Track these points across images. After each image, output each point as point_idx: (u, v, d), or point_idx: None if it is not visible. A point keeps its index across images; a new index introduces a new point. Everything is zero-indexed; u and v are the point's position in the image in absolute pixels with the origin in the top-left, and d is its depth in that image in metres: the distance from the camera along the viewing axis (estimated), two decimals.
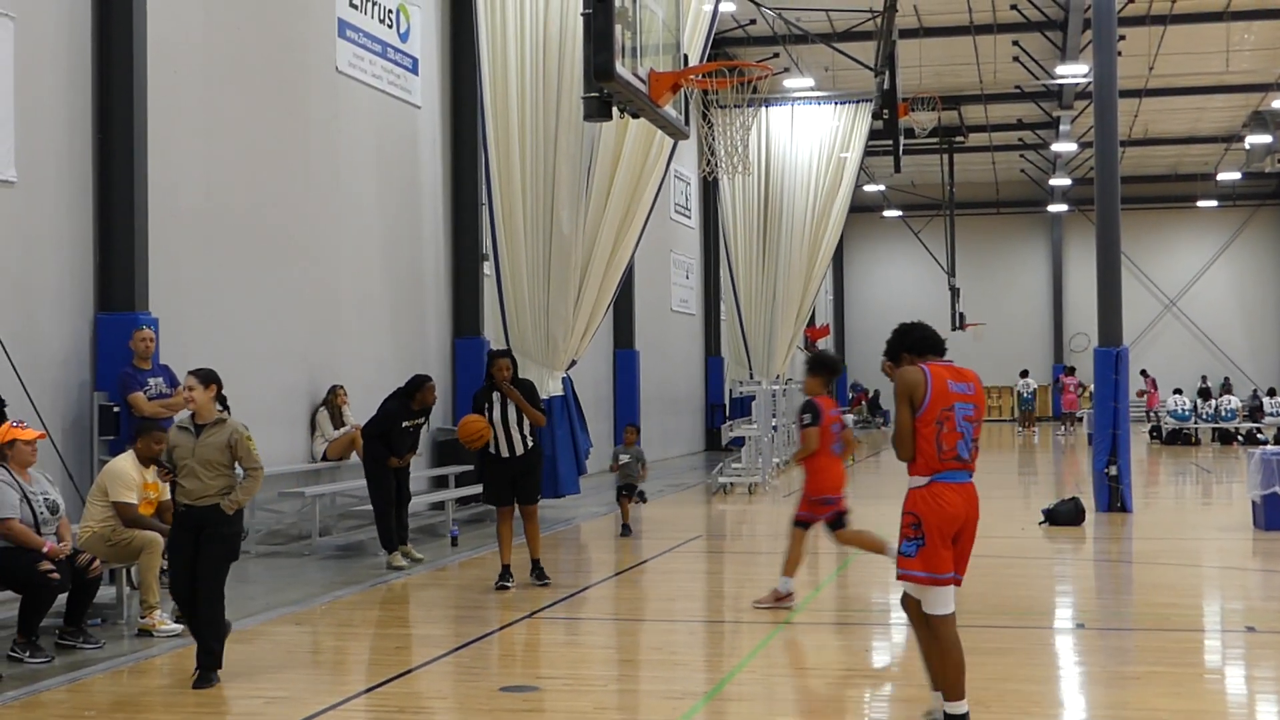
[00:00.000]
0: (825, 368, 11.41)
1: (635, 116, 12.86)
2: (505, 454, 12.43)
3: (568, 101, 17.75)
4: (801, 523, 11.30)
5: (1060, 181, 42.79)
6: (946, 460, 6.79)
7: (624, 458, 17.50)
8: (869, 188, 44.27)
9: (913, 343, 7.15)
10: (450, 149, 20.02)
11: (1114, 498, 18.20)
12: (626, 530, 16.73)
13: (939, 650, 6.87)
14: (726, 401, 33.24)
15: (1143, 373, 42.09)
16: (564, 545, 16.30)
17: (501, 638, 10.26)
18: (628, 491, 17.22)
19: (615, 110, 12.13)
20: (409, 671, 9.01)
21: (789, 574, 11.24)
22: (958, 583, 6.92)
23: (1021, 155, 44.10)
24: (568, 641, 10.48)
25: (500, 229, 18.59)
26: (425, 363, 18.88)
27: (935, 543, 6.73)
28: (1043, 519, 17.13)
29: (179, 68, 14.12)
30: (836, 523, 11.32)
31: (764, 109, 28.95)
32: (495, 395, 12.40)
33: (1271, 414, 36.37)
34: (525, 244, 18.60)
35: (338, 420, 16.28)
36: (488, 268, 19.60)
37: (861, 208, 45.03)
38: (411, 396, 14.17)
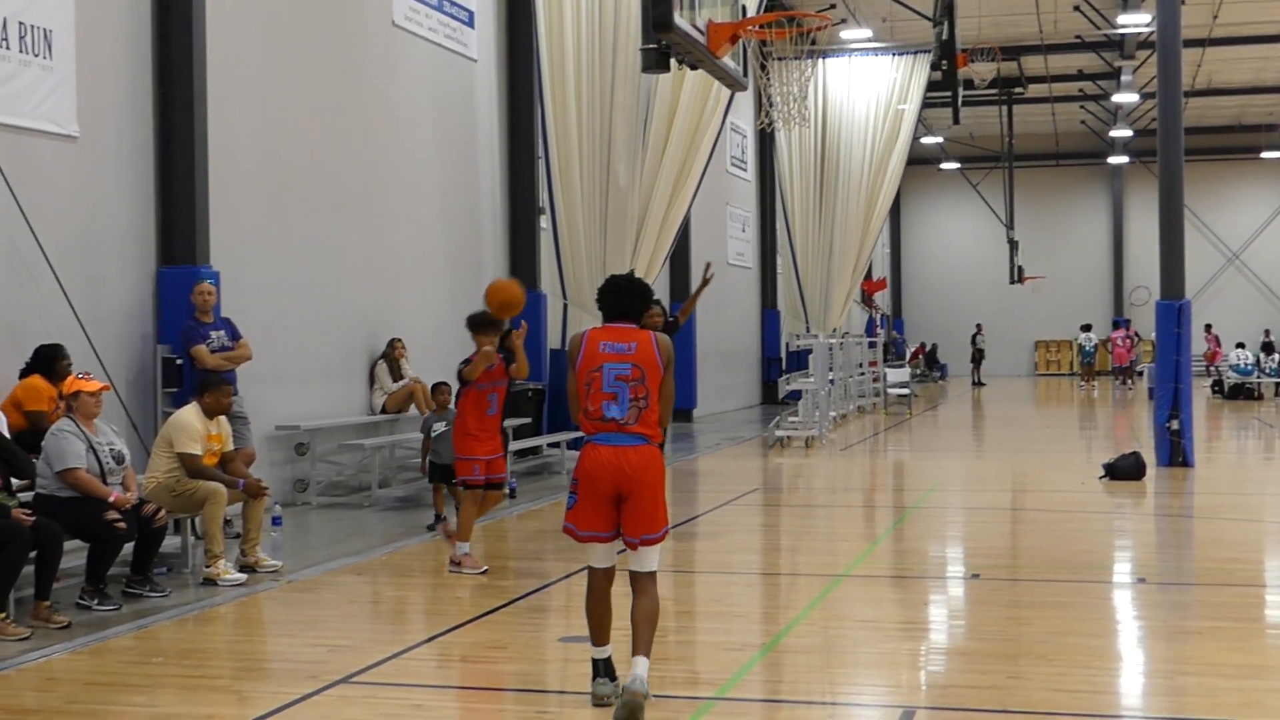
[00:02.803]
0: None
1: (694, 68, 12.80)
2: None
3: (624, 54, 17.70)
4: None
5: (1121, 133, 42.26)
6: (594, 420, 6.78)
7: (438, 427, 13.16)
8: (927, 140, 43.88)
9: (602, 308, 7.05)
10: (507, 103, 20.01)
11: (1175, 452, 18.05)
12: (437, 522, 12.69)
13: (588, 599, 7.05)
14: (783, 355, 33.17)
15: (1207, 328, 41.62)
16: None
17: (561, 589, 10.31)
18: (447, 473, 12.28)
19: (673, 62, 12.09)
20: (469, 621, 9.08)
21: None
22: (600, 540, 6.85)
23: (1082, 106, 43.59)
24: (625, 594, 10.48)
25: (557, 183, 18.61)
26: None
27: (584, 501, 6.79)
28: (1103, 473, 17.02)
29: (237, 23, 14.18)
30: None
31: (821, 60, 28.73)
32: None
33: None
34: (581, 197, 18.62)
35: (396, 373, 16.39)
36: (544, 221, 19.64)
37: (919, 160, 44.66)
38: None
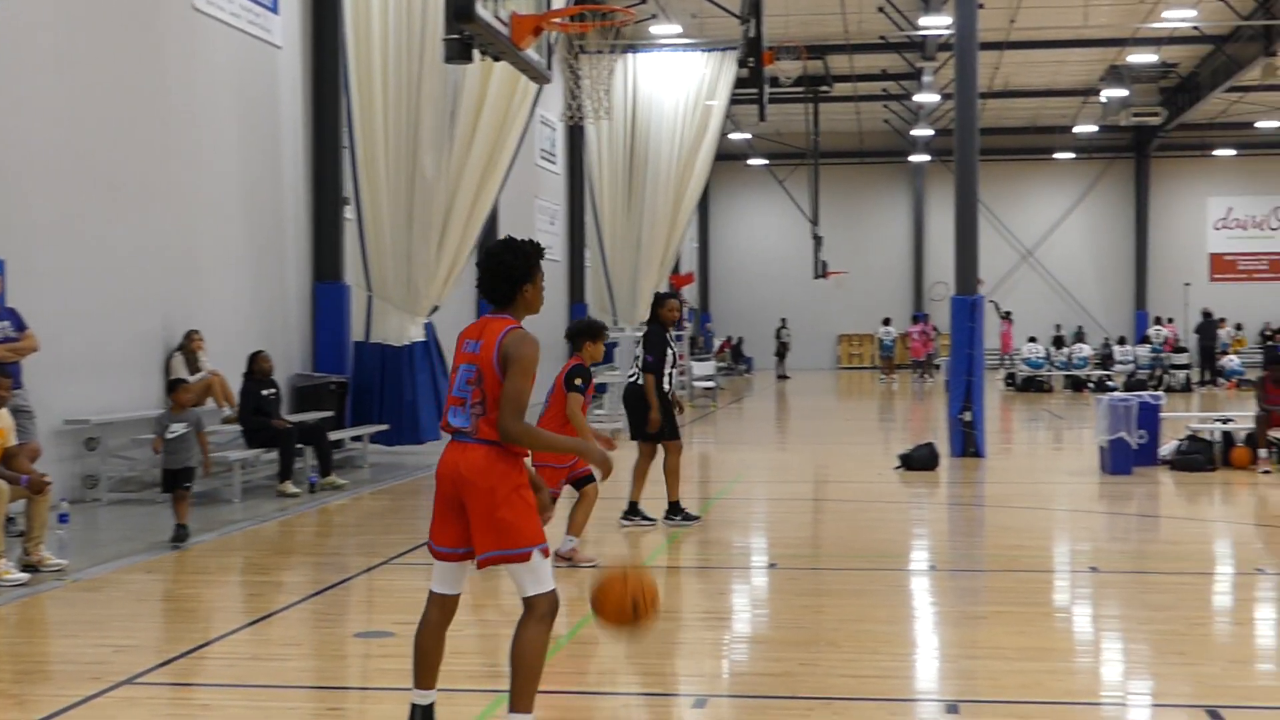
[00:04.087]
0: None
1: (497, 59, 12.76)
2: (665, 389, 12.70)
3: (432, 44, 17.54)
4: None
5: (922, 132, 43.29)
6: (444, 427, 6.01)
7: (176, 428, 11.93)
8: (735, 136, 44.40)
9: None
10: (312, 91, 19.67)
11: (968, 443, 18.57)
12: (181, 535, 11.71)
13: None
14: None
15: (1006, 315, 42.73)
16: (426, 491, 16.21)
17: (360, 584, 10.19)
18: (181, 479, 11.81)
19: (477, 53, 12.02)
20: (263, 619, 8.92)
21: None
22: (446, 557, 6.00)
23: (885, 105, 44.54)
24: (426, 588, 10.41)
25: (362, 173, 18.40)
26: (285, 307, 18.64)
27: (435, 508, 6.03)
28: (899, 464, 17.42)
29: (29, 4, 13.70)
30: (584, 480, 11.04)
31: (631, 56, 28.88)
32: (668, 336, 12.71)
33: (1121, 362, 37.36)
34: (387, 188, 18.43)
35: (193, 366, 16.00)
36: (349, 212, 19.37)
37: (727, 156, 45.16)
38: None
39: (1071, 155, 49.38)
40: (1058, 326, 45.40)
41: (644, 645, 8.29)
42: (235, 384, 15.74)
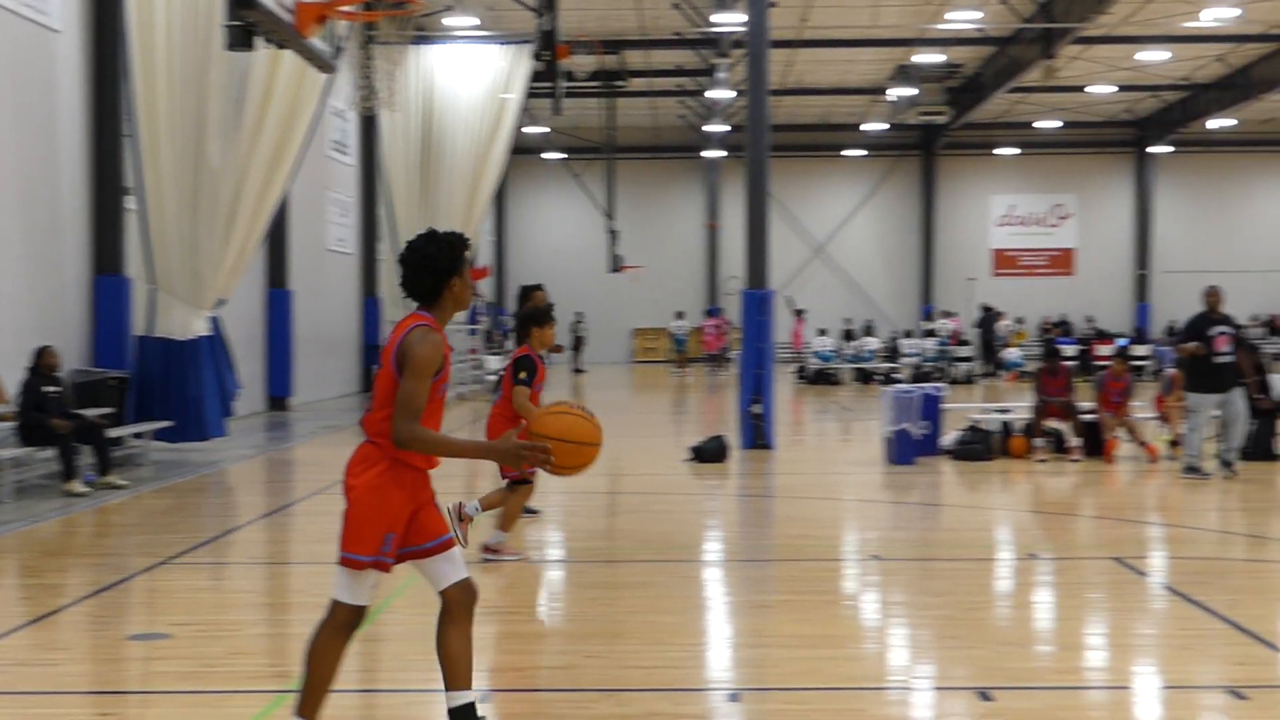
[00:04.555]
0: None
1: (281, 47, 12.51)
2: None
3: (217, 30, 17.11)
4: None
5: (716, 128, 43.74)
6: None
7: None
8: (531, 130, 44.31)
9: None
10: (92, 77, 19.01)
11: (758, 435, 18.84)
12: None
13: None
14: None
15: (799, 313, 43.47)
16: (210, 489, 15.86)
17: (136, 585, 9.90)
18: None
19: (261, 40, 11.77)
20: (33, 622, 8.61)
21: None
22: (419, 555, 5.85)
23: (681, 101, 44.87)
24: (209, 587, 10.20)
25: (145, 162, 17.88)
26: (63, 300, 18.01)
27: None
28: (690, 456, 17.58)
29: None
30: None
31: (426, 47, 28.60)
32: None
33: (907, 355, 38.30)
34: (172, 178, 17.94)
35: None
36: (131, 202, 18.80)
37: (524, 150, 45.03)
38: None
39: (862, 152, 50.43)
40: (847, 320, 46.31)
41: (428, 643, 8.22)
42: (11, 379, 15.15)
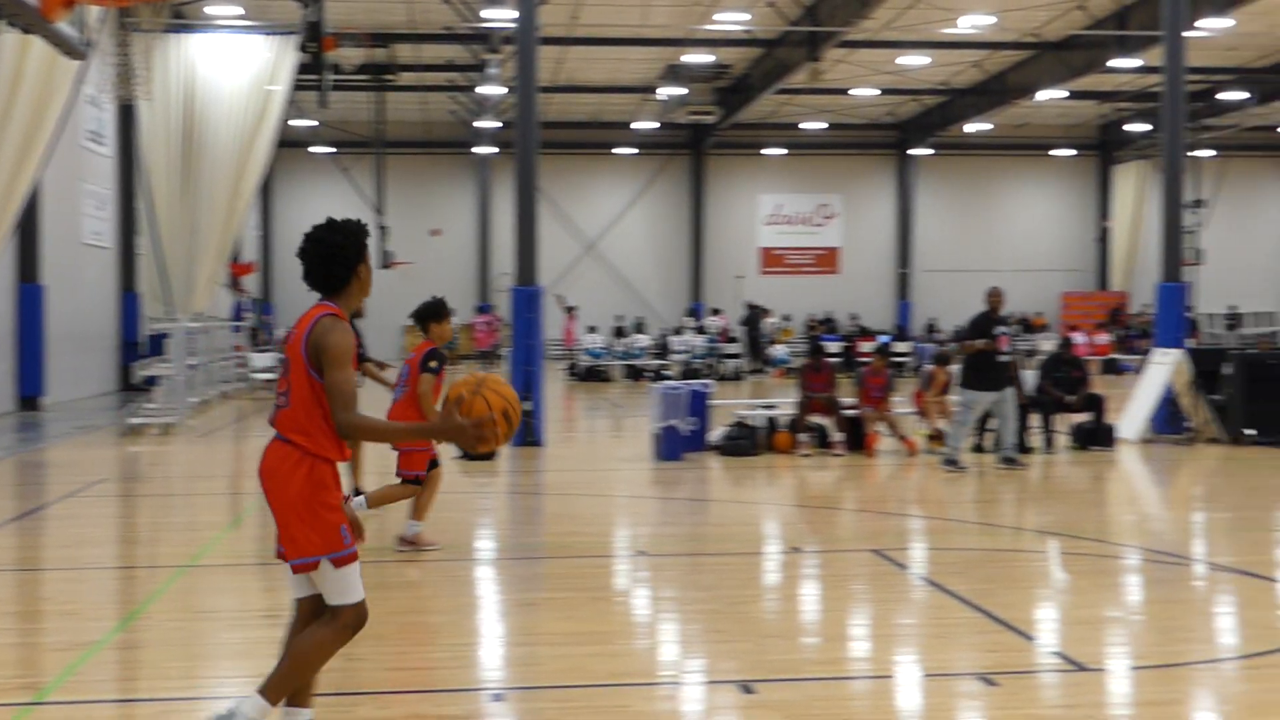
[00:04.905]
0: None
1: (27, 31, 11.99)
2: None
3: None
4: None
5: (487, 124, 43.53)
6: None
7: None
8: (298, 123, 43.46)
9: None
10: None
11: (528, 432, 18.79)
12: None
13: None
14: (145, 339, 31.85)
15: (570, 310, 43.54)
16: None
17: None
18: None
19: (3, 24, 11.27)
20: None
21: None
22: (282, 557, 5.65)
23: (451, 96, 44.53)
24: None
25: None
26: None
27: None
28: (459, 454, 17.45)
29: None
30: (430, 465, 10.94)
31: (187, 36, 27.79)
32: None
33: (676, 352, 38.70)
34: None
35: None
36: None
37: (291, 143, 44.15)
38: None
39: (632, 151, 50.74)
40: (618, 317, 46.57)
41: (192, 649, 7.97)
42: None
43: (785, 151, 50.86)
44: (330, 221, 5.62)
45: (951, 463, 16.37)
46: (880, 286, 52.05)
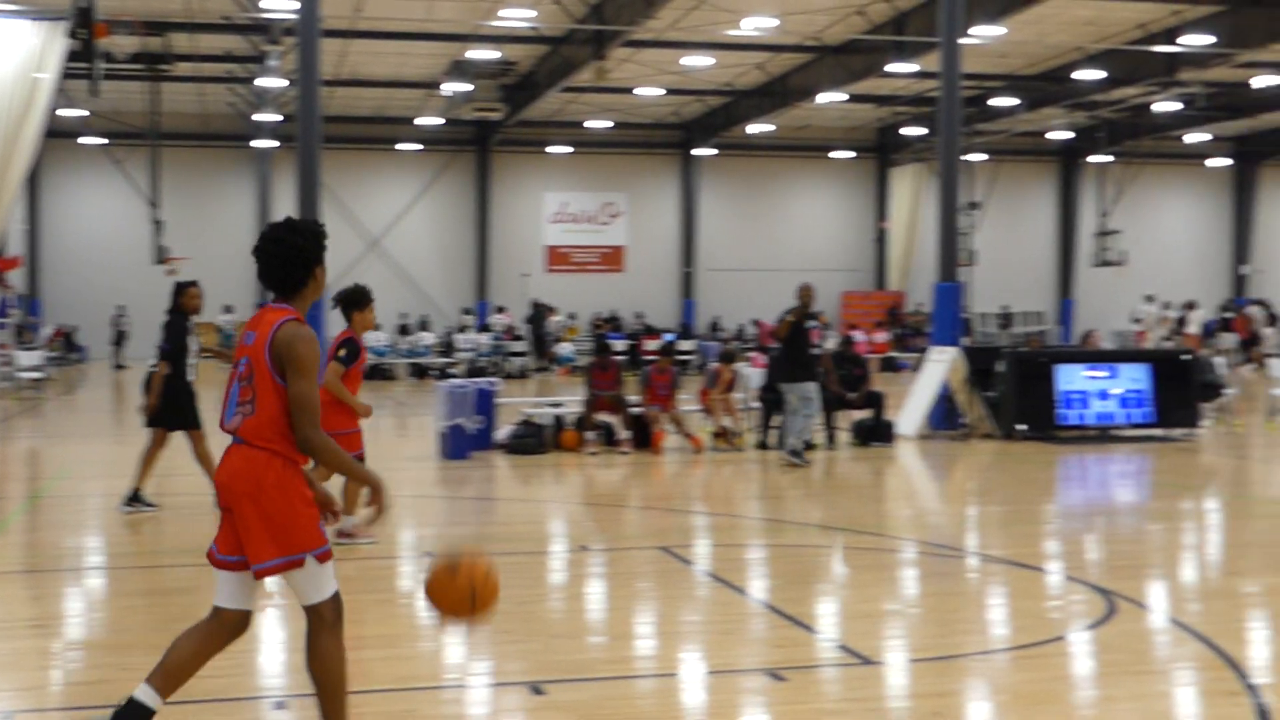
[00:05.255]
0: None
1: None
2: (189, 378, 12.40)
3: None
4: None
5: (267, 117, 42.62)
6: (220, 422, 5.67)
7: None
8: (69, 112, 41.95)
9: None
10: None
11: None
12: None
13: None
14: None
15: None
16: None
17: None
18: None
19: None
20: None
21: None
22: (223, 565, 5.56)
23: (230, 88, 43.48)
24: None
25: None
26: None
27: (221, 516, 5.63)
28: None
29: None
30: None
31: None
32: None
33: (462, 350, 38.47)
34: None
35: None
36: None
37: (60, 133, 42.58)
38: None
39: (417, 147, 50.23)
40: (403, 315, 46.06)
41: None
42: None
43: (571, 150, 50.92)
44: (289, 221, 5.59)
45: (796, 454, 16.55)
46: (665, 285, 52.48)
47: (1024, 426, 19.48)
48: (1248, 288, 53.50)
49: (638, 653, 8.06)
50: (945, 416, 20.34)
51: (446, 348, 38.93)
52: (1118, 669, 7.42)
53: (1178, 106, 42.74)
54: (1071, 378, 19.77)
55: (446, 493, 14.94)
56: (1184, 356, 21.05)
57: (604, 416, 18.56)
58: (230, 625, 5.67)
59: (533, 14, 32.82)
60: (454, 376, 30.61)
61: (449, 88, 39.81)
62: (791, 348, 16.56)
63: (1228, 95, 41.79)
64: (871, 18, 33.69)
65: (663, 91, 42.92)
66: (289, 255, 5.50)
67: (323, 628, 5.57)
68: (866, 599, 9.36)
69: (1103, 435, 19.73)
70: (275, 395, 5.40)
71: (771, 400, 18.53)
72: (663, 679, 7.46)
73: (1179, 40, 33.58)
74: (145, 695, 5.62)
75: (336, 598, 5.62)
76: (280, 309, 5.50)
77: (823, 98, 40.46)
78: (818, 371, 16.93)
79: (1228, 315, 45.11)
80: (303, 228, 5.56)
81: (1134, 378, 19.93)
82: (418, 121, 47.47)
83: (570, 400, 19.70)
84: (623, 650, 8.04)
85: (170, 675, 5.65)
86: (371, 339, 37.73)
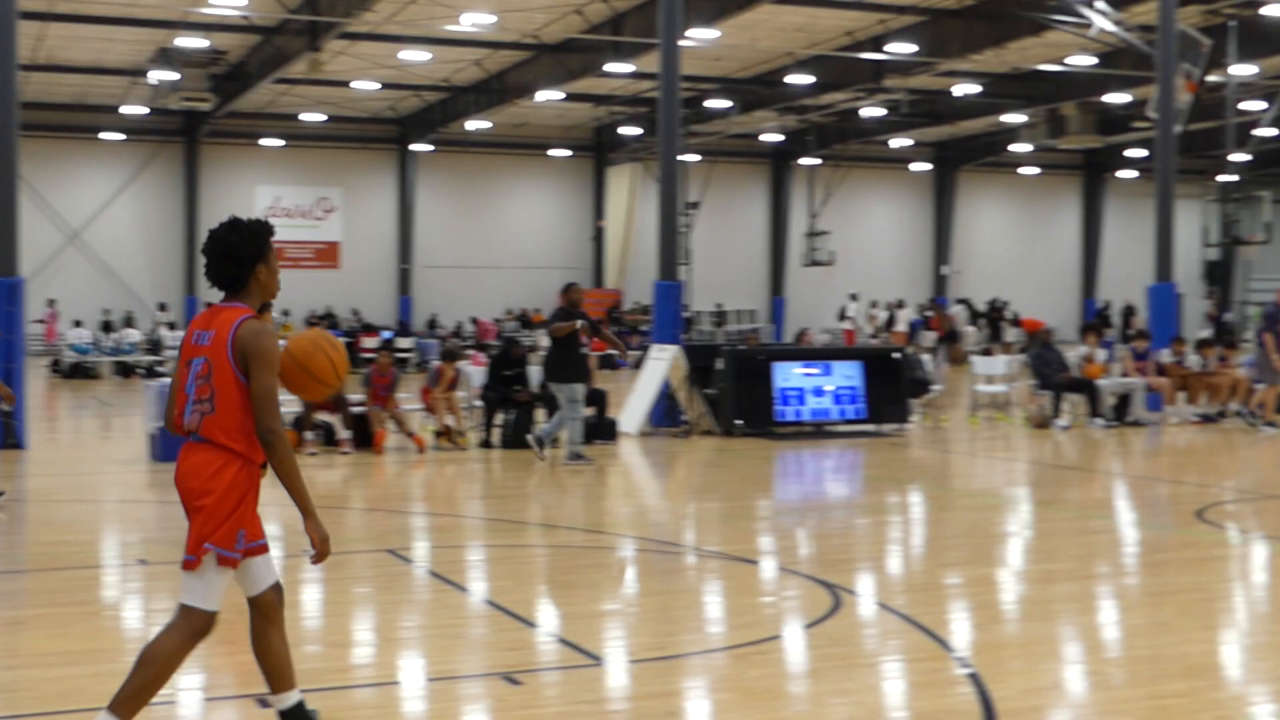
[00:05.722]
0: None
1: None
2: None
3: None
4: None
5: None
6: (176, 423, 5.69)
7: None
8: None
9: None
10: None
11: (8, 434, 17.49)
12: None
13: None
14: None
15: (51, 303, 41.16)
16: None
17: None
18: None
19: None
20: None
21: None
22: (185, 566, 5.62)
23: None
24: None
25: None
26: None
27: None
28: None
29: None
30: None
31: None
32: None
33: (170, 347, 37.20)
34: None
35: None
36: None
37: None
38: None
39: (121, 136, 48.35)
40: (106, 311, 44.26)
41: None
42: None
43: (284, 143, 49.83)
44: (232, 220, 5.68)
45: (577, 457, 16.45)
46: (381, 282, 51.82)
47: (742, 423, 19.82)
48: (948, 287, 55.85)
49: (360, 660, 7.84)
50: (666, 414, 20.55)
51: (153, 345, 37.55)
52: (845, 662, 7.56)
53: (883, 112, 44.33)
54: (788, 375, 20.22)
55: (158, 497, 14.30)
56: (895, 354, 21.76)
57: (324, 416, 18.14)
58: (270, 604, 5.82)
59: (243, 2, 31.91)
60: (162, 375, 29.54)
61: (155, 76, 38.40)
62: (563, 348, 16.49)
63: (930, 102, 43.54)
64: (589, 17, 33.88)
65: (379, 86, 42.37)
66: (225, 254, 5.61)
67: (183, 629, 5.65)
68: (594, 599, 9.31)
69: (818, 431, 20.23)
70: (237, 391, 5.50)
71: (494, 399, 18.43)
72: (386, 687, 7.25)
73: (885, 48, 34.80)
74: (288, 701, 5.87)
75: (214, 616, 5.68)
76: (234, 308, 5.60)
77: (541, 96, 40.54)
78: (586, 372, 16.94)
79: (929, 314, 46.96)
80: (243, 226, 5.65)
81: (847, 375, 20.51)
82: (122, 110, 45.67)
83: (287, 400, 19.15)
84: (344, 658, 7.80)
85: (278, 674, 5.87)
86: (74, 336, 36.13)
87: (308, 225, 51.39)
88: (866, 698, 6.90)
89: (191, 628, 5.64)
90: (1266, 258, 48.89)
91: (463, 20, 32.24)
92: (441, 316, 49.91)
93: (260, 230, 5.68)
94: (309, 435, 17.71)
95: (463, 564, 10.64)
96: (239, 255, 5.62)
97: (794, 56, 37.94)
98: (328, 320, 46.93)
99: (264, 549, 5.79)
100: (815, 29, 35.20)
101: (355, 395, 18.35)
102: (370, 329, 41.86)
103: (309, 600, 9.49)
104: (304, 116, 47.30)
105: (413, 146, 50.37)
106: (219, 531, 5.55)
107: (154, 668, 5.62)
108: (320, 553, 5.76)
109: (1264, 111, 36.73)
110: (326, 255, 51.60)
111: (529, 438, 17.02)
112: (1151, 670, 7.33)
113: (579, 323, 16.39)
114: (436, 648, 8.00)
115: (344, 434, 17.90)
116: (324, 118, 47.53)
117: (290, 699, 5.90)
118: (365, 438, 17.95)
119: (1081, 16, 29.04)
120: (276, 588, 5.86)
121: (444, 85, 43.74)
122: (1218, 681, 7.28)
